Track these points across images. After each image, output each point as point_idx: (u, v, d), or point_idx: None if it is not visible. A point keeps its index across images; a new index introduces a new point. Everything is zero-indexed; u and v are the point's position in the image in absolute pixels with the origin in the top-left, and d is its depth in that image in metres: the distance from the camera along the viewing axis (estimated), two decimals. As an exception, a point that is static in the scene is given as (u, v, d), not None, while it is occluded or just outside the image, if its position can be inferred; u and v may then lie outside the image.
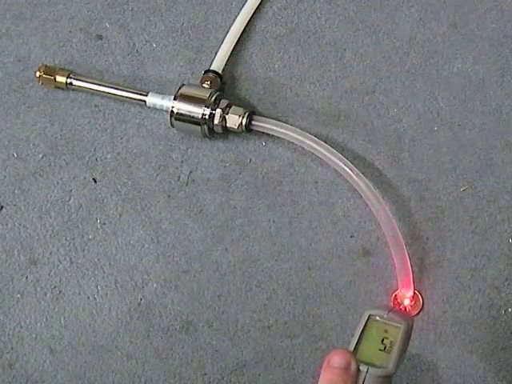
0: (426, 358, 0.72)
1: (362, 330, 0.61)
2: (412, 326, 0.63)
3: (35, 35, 0.85)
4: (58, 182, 0.80)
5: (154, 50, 0.83)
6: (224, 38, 0.81)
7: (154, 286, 0.76)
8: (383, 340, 0.60)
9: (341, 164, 0.74)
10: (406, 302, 0.72)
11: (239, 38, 0.82)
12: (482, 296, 0.73)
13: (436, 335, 0.72)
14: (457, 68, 0.80)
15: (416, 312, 0.72)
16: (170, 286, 0.76)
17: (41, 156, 0.81)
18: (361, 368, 0.58)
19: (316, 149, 0.75)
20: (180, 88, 0.77)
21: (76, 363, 0.75)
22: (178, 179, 0.79)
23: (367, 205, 0.74)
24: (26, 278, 0.77)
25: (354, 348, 0.60)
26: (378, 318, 0.61)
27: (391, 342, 0.60)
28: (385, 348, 0.60)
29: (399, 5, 0.82)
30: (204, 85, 0.78)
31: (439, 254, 0.74)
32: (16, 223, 0.79)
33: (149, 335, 0.75)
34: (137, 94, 0.80)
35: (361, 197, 0.74)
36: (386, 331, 0.61)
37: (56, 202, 0.79)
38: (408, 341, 0.61)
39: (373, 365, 0.58)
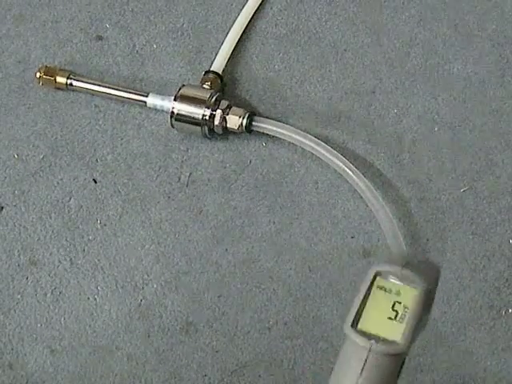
0: (426, 358, 0.72)
1: (367, 292, 0.48)
2: (436, 283, 0.48)
3: (35, 36, 0.85)
4: (58, 183, 0.80)
5: (154, 51, 0.83)
6: (224, 39, 0.81)
7: (155, 286, 0.76)
8: (394, 305, 0.47)
9: (341, 165, 0.74)
10: None
11: (239, 39, 0.82)
12: (482, 297, 0.73)
13: (436, 335, 0.72)
14: (457, 69, 0.80)
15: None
16: (170, 286, 0.76)
17: (41, 157, 0.81)
18: (362, 344, 0.46)
19: (316, 149, 0.75)
20: (180, 89, 0.77)
21: (76, 364, 0.75)
22: (179, 180, 0.79)
23: (367, 205, 0.74)
24: (27, 278, 0.77)
25: (356, 315, 0.48)
26: (388, 275, 0.48)
27: (404, 309, 0.47)
28: (396, 316, 0.47)
29: (399, 5, 0.82)
30: (204, 85, 0.78)
31: (439, 254, 0.74)
32: (16, 224, 0.79)
33: (149, 336, 0.75)
34: (137, 94, 0.80)
35: (361, 197, 0.74)
36: (398, 293, 0.47)
37: (56, 203, 0.79)
38: (429, 308, 0.48)
39: (379, 337, 0.47)
